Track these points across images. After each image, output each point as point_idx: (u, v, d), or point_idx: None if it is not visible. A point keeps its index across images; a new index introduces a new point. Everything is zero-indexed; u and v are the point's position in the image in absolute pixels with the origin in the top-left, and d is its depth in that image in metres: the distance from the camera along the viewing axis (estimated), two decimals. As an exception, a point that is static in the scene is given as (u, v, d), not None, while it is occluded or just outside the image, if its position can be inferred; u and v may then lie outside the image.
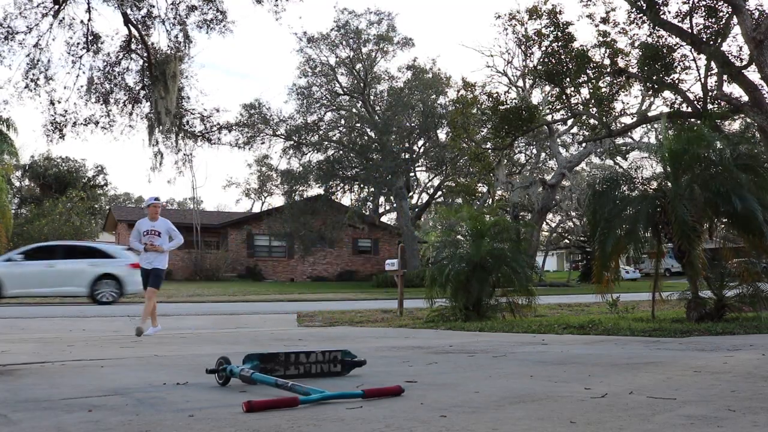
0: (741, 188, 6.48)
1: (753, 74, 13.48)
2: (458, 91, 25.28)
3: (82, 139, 49.07)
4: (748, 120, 17.91)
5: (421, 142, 35.20)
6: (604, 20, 15.63)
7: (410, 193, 35.57)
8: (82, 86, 17.57)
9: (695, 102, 14.92)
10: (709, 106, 14.42)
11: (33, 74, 16.43)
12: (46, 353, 4.88)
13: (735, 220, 6.79)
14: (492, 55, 45.32)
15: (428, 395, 2.68)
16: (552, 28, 16.33)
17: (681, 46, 14.81)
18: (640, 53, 15.10)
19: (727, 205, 6.56)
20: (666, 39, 14.89)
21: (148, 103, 17.50)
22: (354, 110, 35.13)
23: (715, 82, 14.42)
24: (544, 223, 37.01)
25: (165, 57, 16.60)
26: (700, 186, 6.89)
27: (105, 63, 16.90)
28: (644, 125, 21.46)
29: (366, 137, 34.36)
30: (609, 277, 7.59)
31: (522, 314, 9.17)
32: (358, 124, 34.63)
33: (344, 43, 33.06)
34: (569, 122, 25.57)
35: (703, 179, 6.84)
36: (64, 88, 25.08)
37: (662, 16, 13.98)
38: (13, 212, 30.56)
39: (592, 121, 18.60)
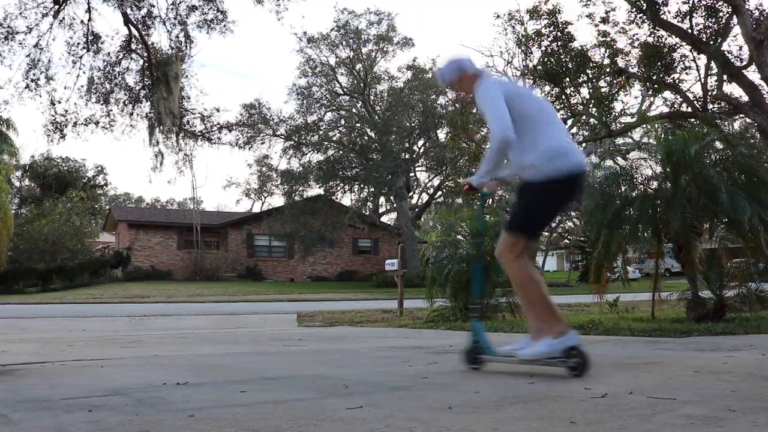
0: (728, 187, 6.50)
1: (753, 74, 13.48)
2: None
3: (83, 139, 49.25)
4: (748, 120, 17.91)
5: (421, 142, 35.24)
6: (604, 20, 15.63)
7: (410, 193, 35.60)
8: (82, 86, 17.65)
9: (695, 102, 14.92)
10: (709, 106, 14.42)
11: (33, 74, 16.47)
12: (46, 353, 4.88)
13: (728, 219, 6.81)
14: (492, 55, 45.23)
15: (428, 395, 2.69)
16: (552, 28, 16.33)
17: (681, 46, 14.82)
18: (640, 53, 15.11)
19: (715, 205, 6.59)
20: (666, 39, 14.90)
21: (149, 103, 17.52)
22: (354, 110, 35.15)
23: (715, 82, 14.42)
24: (544, 223, 36.98)
25: (167, 58, 16.62)
26: (697, 186, 6.89)
27: (105, 63, 16.94)
28: (644, 125, 21.46)
29: (366, 137, 34.38)
30: (606, 278, 7.60)
31: (522, 314, 9.17)
32: (358, 124, 34.65)
33: (344, 43, 33.09)
34: (569, 122, 25.56)
35: (701, 179, 6.84)
36: (65, 88, 25.26)
37: (662, 16, 13.98)
38: (13, 212, 30.56)
39: (592, 121, 18.60)
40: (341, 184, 33.91)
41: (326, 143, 33.92)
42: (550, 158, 3.32)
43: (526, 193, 3.43)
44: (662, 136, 7.65)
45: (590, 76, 16.09)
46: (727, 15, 13.75)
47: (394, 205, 34.26)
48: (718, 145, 7.84)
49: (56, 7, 15.66)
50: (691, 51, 14.75)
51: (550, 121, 3.49)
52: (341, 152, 34.16)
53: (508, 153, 3.44)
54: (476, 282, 3.92)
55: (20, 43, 16.01)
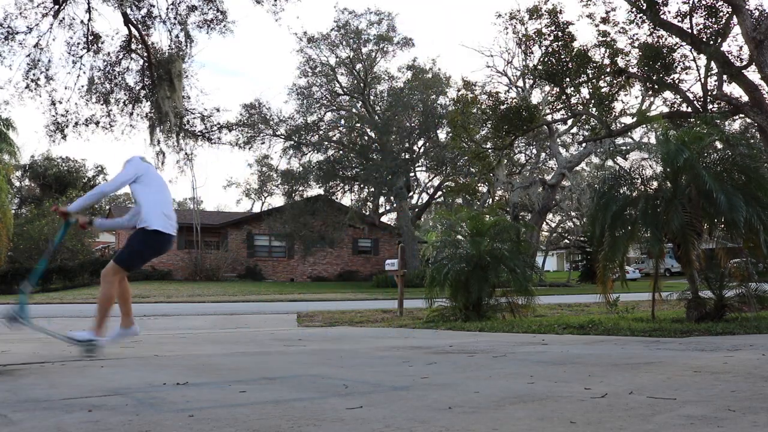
0: (724, 187, 6.50)
1: (753, 74, 13.49)
2: (458, 91, 25.33)
3: (84, 139, 49.28)
4: (748, 120, 17.90)
5: (421, 142, 35.22)
6: (604, 20, 15.63)
7: (410, 193, 35.58)
8: (82, 86, 17.60)
9: (695, 102, 14.92)
10: (709, 106, 14.42)
11: (33, 74, 16.45)
12: (46, 353, 4.88)
13: (725, 219, 6.82)
14: (492, 55, 45.30)
15: (428, 395, 2.69)
16: (552, 28, 16.34)
17: (681, 46, 14.81)
18: (640, 53, 15.11)
19: (712, 205, 6.60)
20: (666, 39, 14.90)
21: (149, 103, 17.50)
22: (354, 110, 35.13)
23: (715, 82, 14.42)
24: (544, 223, 37.02)
25: (169, 56, 16.60)
26: (697, 187, 6.90)
27: (105, 63, 16.91)
28: (644, 125, 21.48)
29: (366, 137, 34.38)
30: (612, 279, 7.61)
31: (522, 314, 9.17)
32: (358, 124, 34.63)
33: (344, 43, 33.07)
34: (569, 122, 25.61)
35: (700, 180, 6.85)
36: (65, 88, 25.19)
37: (662, 16, 13.97)
38: (13, 212, 30.58)
39: (592, 121, 18.60)
40: (341, 184, 33.90)
41: (326, 143, 33.91)
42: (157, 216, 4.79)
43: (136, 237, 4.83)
44: (663, 136, 7.64)
45: (590, 75, 16.09)
46: (727, 15, 13.75)
47: (394, 205, 34.24)
48: (718, 145, 7.84)
49: (56, 7, 15.64)
50: (691, 51, 14.75)
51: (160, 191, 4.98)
52: (341, 152, 34.15)
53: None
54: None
55: (20, 43, 16.01)
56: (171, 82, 16.36)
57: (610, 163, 27.37)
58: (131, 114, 17.78)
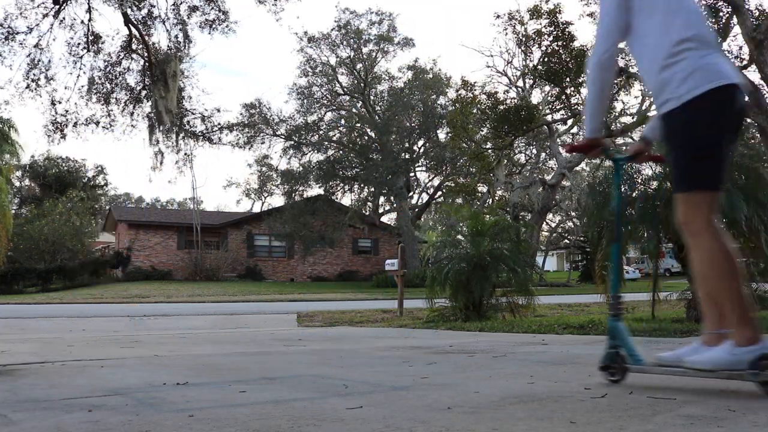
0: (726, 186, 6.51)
1: (753, 74, 13.48)
2: (458, 91, 25.33)
3: (83, 139, 49.34)
4: (748, 120, 17.89)
5: (421, 142, 35.24)
6: (605, 20, 15.63)
7: (410, 193, 35.58)
8: (82, 86, 17.61)
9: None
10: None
11: (34, 74, 16.45)
12: (46, 353, 4.88)
13: (726, 219, 6.82)
14: (492, 55, 45.30)
15: (428, 395, 2.68)
16: (552, 28, 16.35)
17: (681, 46, 14.81)
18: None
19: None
20: (666, 39, 14.90)
21: (149, 103, 17.51)
22: (354, 110, 35.14)
23: (715, 82, 14.41)
24: (544, 223, 37.01)
25: (165, 56, 16.60)
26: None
27: (105, 63, 16.92)
28: (644, 125, 21.48)
29: (366, 137, 34.39)
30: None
31: (522, 314, 9.18)
32: (358, 124, 34.64)
33: (345, 43, 33.09)
34: (569, 122, 25.59)
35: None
36: (65, 88, 25.18)
37: (662, 16, 13.97)
38: (13, 212, 30.57)
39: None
40: (341, 184, 33.92)
41: (326, 143, 33.92)
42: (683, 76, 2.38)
43: (673, 132, 2.51)
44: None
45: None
46: (727, 15, 13.75)
47: (394, 205, 34.25)
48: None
49: (56, 7, 15.64)
50: (691, 51, 14.74)
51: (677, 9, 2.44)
52: (341, 152, 34.17)
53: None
54: (614, 269, 3.13)
55: (21, 44, 16.01)
56: (166, 83, 16.36)
57: (609, 162, 27.37)
58: (132, 114, 17.80)
